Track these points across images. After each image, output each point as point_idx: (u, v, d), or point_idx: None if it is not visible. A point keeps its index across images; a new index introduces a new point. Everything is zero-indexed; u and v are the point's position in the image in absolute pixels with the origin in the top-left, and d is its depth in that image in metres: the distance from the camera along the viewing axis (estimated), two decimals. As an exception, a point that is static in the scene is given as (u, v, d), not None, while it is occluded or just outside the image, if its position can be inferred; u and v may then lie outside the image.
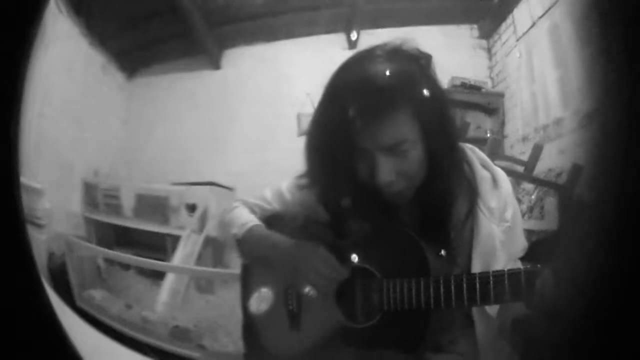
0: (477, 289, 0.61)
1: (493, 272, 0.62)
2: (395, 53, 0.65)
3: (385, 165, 0.63)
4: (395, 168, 0.64)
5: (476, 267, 0.68)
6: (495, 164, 0.75)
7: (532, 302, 0.61)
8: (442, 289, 0.63)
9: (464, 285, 0.62)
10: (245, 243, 0.77)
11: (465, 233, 0.70)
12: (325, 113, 0.67)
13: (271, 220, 0.79)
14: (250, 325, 0.79)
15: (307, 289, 0.72)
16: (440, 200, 0.70)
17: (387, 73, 0.63)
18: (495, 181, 0.72)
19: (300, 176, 0.76)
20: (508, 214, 0.71)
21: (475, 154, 0.74)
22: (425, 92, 0.65)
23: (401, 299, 0.66)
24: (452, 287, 0.63)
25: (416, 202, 0.70)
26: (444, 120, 0.67)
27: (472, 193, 0.71)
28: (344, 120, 0.63)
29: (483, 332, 0.69)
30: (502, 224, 0.70)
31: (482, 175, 0.72)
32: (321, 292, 0.71)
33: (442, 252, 0.68)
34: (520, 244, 0.74)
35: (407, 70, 0.65)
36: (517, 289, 0.59)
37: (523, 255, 0.75)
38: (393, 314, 0.67)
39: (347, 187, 0.69)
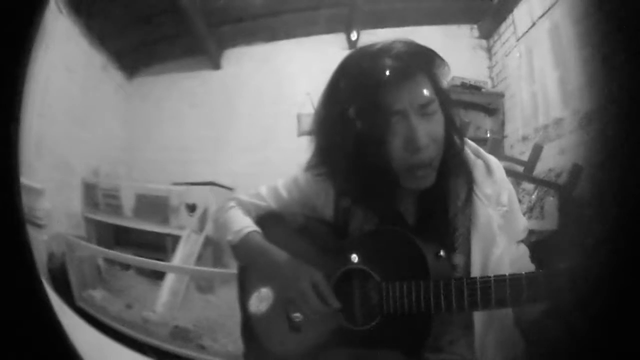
0: (478, 294, 0.61)
1: (494, 276, 0.61)
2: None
3: (421, 126, 0.66)
4: (428, 131, 0.66)
5: (476, 254, 0.68)
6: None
7: (532, 306, 0.61)
8: (441, 293, 0.63)
9: (465, 290, 0.62)
10: (241, 250, 0.77)
11: (463, 222, 0.70)
12: (353, 85, 0.70)
13: (267, 220, 0.79)
14: (250, 325, 0.79)
15: (294, 316, 0.73)
16: (445, 188, 0.71)
17: (404, 46, 0.69)
18: (488, 168, 0.73)
19: (314, 166, 0.77)
20: (504, 198, 0.72)
21: (467, 144, 0.76)
22: (438, 62, 0.70)
23: (400, 303, 0.66)
24: (453, 292, 0.63)
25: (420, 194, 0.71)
26: (449, 98, 0.72)
27: (469, 181, 0.72)
28: (377, 86, 0.67)
29: (482, 333, 0.69)
30: (499, 209, 0.71)
31: (476, 163, 0.73)
32: (308, 320, 0.72)
33: (442, 252, 0.68)
34: (520, 224, 0.76)
35: (417, 45, 0.70)
36: (519, 293, 0.59)
37: (524, 237, 0.75)
38: (393, 316, 0.67)
39: (372, 166, 0.70)
